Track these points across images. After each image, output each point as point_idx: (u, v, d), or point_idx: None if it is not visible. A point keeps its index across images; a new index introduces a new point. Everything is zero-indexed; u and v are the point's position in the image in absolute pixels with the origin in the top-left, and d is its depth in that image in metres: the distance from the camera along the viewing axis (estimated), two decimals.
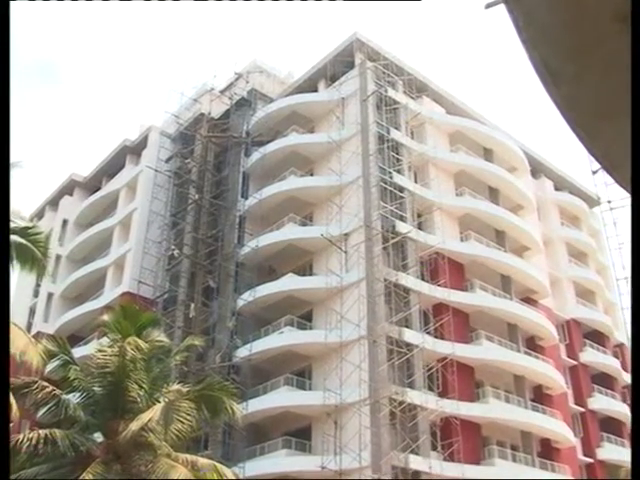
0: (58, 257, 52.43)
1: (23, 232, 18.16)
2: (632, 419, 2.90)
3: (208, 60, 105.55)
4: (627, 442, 48.97)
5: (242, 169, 46.01)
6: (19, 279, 43.66)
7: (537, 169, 54.46)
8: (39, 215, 59.10)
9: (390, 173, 39.87)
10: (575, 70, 2.50)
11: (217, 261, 43.81)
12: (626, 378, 51.74)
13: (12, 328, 17.42)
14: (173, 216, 47.96)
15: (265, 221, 43.31)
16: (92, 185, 57.45)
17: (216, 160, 48.54)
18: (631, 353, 3.05)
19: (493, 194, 46.21)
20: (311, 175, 44.30)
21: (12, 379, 19.02)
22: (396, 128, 42.35)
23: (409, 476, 32.48)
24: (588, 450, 45.94)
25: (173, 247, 45.82)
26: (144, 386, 19.71)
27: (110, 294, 47.25)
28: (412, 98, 44.33)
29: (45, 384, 19.97)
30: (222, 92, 50.92)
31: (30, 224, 19.62)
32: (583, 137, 2.78)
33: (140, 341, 19.78)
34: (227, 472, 20.84)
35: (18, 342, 16.94)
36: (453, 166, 44.67)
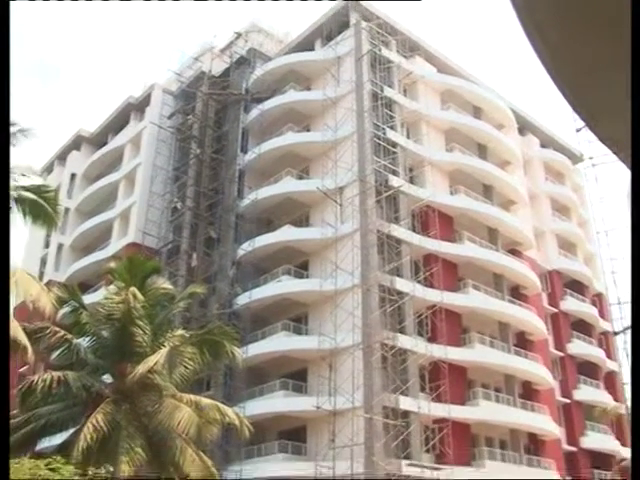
0: (67, 210, 52.37)
1: (35, 190, 18.30)
2: (632, 417, 2.94)
3: (209, 20, 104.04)
4: (602, 384, 49.75)
5: (241, 125, 45.73)
6: (31, 231, 43.66)
7: (524, 127, 54.24)
8: (48, 169, 58.78)
9: (383, 129, 39.65)
10: (563, 29, 2.50)
11: (218, 213, 43.81)
12: (603, 325, 52.29)
13: (26, 277, 17.55)
14: (176, 170, 47.80)
15: (264, 175, 43.26)
16: (98, 140, 57.09)
17: (216, 116, 48.21)
18: (631, 352, 3.09)
19: (482, 150, 46.10)
20: (308, 131, 44.05)
21: (27, 324, 19.24)
22: (389, 86, 42.00)
23: (399, 415, 32.93)
24: (566, 391, 46.62)
25: (176, 200, 45.78)
26: (148, 332, 19.89)
27: (117, 244, 47.31)
28: (405, 57, 43.89)
29: (57, 329, 20.15)
30: (222, 51, 50.38)
31: (42, 182, 19.71)
32: (569, 95, 2.78)
33: (138, 293, 19.87)
34: (229, 411, 21.11)
35: (32, 290, 17.06)
36: (444, 123, 44.44)
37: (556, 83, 2.70)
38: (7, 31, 8.10)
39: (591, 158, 35.89)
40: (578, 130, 33.05)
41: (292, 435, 36.07)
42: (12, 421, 20.81)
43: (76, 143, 58.23)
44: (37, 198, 18.15)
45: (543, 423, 40.35)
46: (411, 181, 40.75)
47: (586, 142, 34.50)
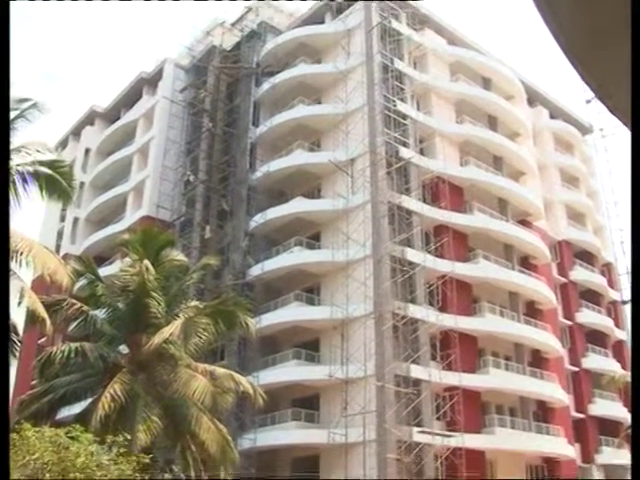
0: (82, 184, 52.44)
1: (51, 165, 18.32)
2: (632, 419, 2.92)
3: None
4: (610, 353, 49.82)
5: (253, 98, 45.53)
6: (47, 205, 43.86)
7: (533, 98, 53.75)
8: (63, 144, 58.82)
9: (394, 101, 39.38)
10: (573, 1, 2.45)
11: (230, 186, 43.79)
12: (612, 294, 52.20)
13: (43, 251, 17.63)
14: (188, 144, 47.75)
15: (275, 147, 43.16)
16: (112, 115, 57.02)
17: (228, 90, 47.98)
18: (631, 351, 3.06)
19: (491, 121, 45.74)
20: (319, 103, 43.80)
21: (45, 297, 19.39)
22: (399, 58, 41.63)
23: (410, 384, 33.10)
24: (574, 360, 46.72)
25: (189, 173, 45.76)
26: (162, 303, 19.99)
27: (131, 217, 47.42)
28: (415, 30, 43.45)
29: (74, 301, 20.30)
30: (233, 25, 50.04)
31: (57, 157, 19.71)
32: (578, 66, 2.73)
33: (151, 266, 19.95)
34: (243, 380, 21.28)
35: (49, 263, 17.14)
36: (453, 95, 44.08)
37: (566, 54, 2.66)
38: (7, 31, 8.04)
39: (601, 129, 35.64)
40: (588, 101, 32.83)
41: (305, 403, 36.35)
42: (32, 391, 21.13)
43: (90, 118, 58.23)
44: (53, 173, 18.18)
45: (552, 391, 40.44)
46: (421, 153, 40.53)
47: (596, 113, 34.27)
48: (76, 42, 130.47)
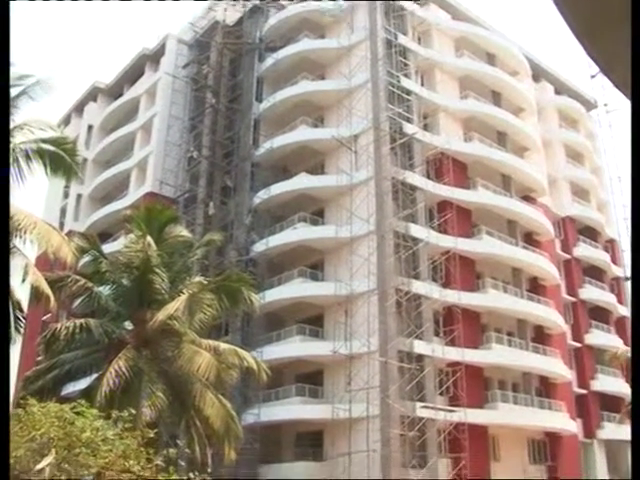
0: (85, 160, 52.34)
1: (54, 142, 18.24)
2: (632, 395, 2.92)
3: None
4: (613, 329, 49.90)
5: (256, 74, 45.26)
6: (50, 182, 43.78)
7: (538, 73, 53.40)
8: (66, 121, 58.55)
9: (398, 77, 39.16)
10: None
11: (234, 162, 43.67)
12: (615, 271, 52.17)
13: (46, 228, 17.62)
14: (191, 120, 47.57)
15: (279, 123, 42.96)
16: (114, 92, 56.72)
17: (231, 66, 47.70)
18: (631, 327, 3.04)
19: (496, 97, 45.52)
20: (322, 79, 43.54)
21: (49, 274, 19.40)
22: (403, 34, 41.35)
23: (414, 359, 33.24)
24: (577, 336, 46.85)
25: (192, 149, 45.64)
26: (166, 280, 20.01)
27: (134, 194, 47.34)
28: (419, 4, 43.10)
29: (78, 278, 20.32)
30: (235, 0, 49.59)
31: (61, 135, 19.60)
32: (585, 41, 2.70)
33: (152, 242, 19.95)
34: (247, 356, 21.35)
35: (53, 240, 17.13)
36: (458, 70, 43.82)
37: (572, 29, 2.63)
38: (7, 31, 7.95)
39: (606, 105, 35.43)
40: (593, 76, 32.59)
41: (309, 379, 36.53)
42: (38, 367, 21.23)
43: (92, 95, 57.92)
44: (57, 150, 18.12)
45: (554, 366, 40.60)
46: (425, 128, 40.37)
47: (600, 88, 34.03)
48: (77, 21, 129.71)
